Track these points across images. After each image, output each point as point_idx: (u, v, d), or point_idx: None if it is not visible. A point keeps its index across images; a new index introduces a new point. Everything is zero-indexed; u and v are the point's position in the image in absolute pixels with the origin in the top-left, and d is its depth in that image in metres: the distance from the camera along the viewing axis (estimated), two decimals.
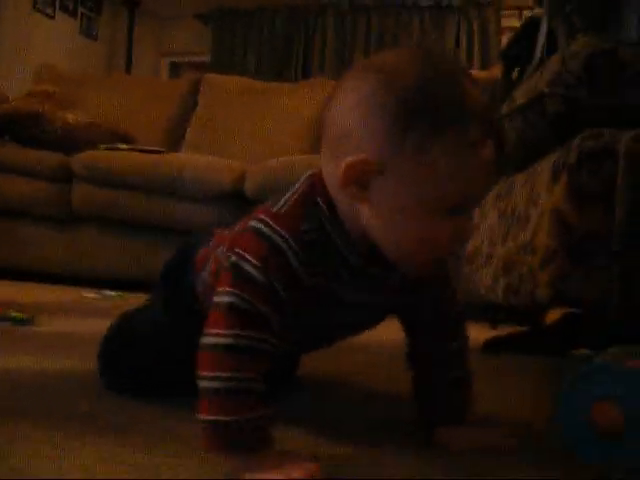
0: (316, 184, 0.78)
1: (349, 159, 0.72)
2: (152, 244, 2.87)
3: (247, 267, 0.72)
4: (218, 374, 0.70)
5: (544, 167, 1.14)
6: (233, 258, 0.74)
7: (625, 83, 1.04)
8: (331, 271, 0.78)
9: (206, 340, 0.71)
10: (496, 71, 2.65)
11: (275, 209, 0.76)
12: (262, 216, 0.76)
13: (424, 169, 0.70)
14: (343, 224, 0.76)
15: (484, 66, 5.02)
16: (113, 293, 2.58)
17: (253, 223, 0.76)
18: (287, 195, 0.78)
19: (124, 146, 3.10)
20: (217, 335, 0.71)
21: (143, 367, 0.96)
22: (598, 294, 1.06)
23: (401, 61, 0.74)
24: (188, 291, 0.94)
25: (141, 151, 3.03)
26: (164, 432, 0.80)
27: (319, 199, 0.77)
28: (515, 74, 1.90)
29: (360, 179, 0.72)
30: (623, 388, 0.75)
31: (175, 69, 6.53)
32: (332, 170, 0.75)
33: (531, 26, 1.67)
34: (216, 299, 0.73)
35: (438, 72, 0.73)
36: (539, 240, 1.11)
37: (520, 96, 1.23)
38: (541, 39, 1.44)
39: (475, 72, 3.22)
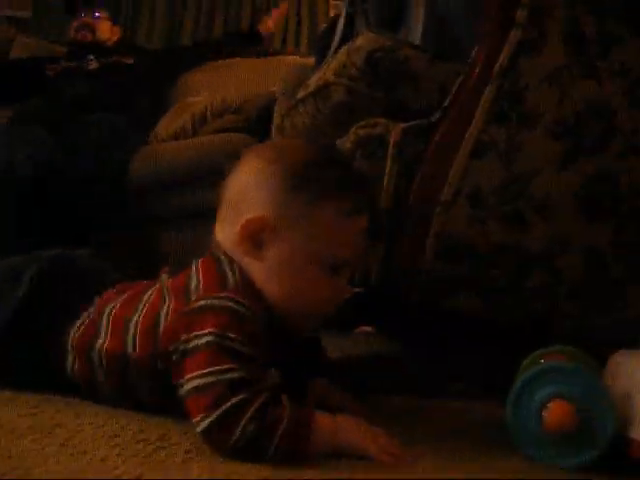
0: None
1: (246, 217, 0.84)
2: None
3: (227, 342, 0.78)
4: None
5: None
6: (213, 337, 0.78)
7: (401, 80, 1.15)
8: None
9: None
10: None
11: (231, 284, 0.84)
12: (223, 294, 0.82)
13: (307, 230, 0.83)
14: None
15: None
16: None
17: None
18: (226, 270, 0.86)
19: None
20: None
21: None
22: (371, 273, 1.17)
23: (293, 145, 0.91)
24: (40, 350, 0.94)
25: None
26: None
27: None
28: None
29: (255, 236, 0.84)
30: (576, 388, 0.82)
31: None
32: (229, 232, 0.87)
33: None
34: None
35: (321, 155, 0.90)
36: None
37: (313, 83, 1.31)
38: (339, 31, 1.53)
39: (300, 59, 3.32)
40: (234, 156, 2.42)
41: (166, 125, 2.78)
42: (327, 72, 1.21)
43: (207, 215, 2.44)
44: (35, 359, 0.94)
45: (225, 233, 0.88)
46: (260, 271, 0.85)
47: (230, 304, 0.80)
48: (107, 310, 0.92)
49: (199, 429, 0.77)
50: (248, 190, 0.86)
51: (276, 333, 0.87)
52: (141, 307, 0.90)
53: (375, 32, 1.16)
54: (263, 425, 0.75)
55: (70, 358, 0.92)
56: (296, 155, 0.87)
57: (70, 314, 0.94)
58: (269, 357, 0.84)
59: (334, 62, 1.21)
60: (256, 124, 2.75)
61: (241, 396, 0.75)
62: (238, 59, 3.45)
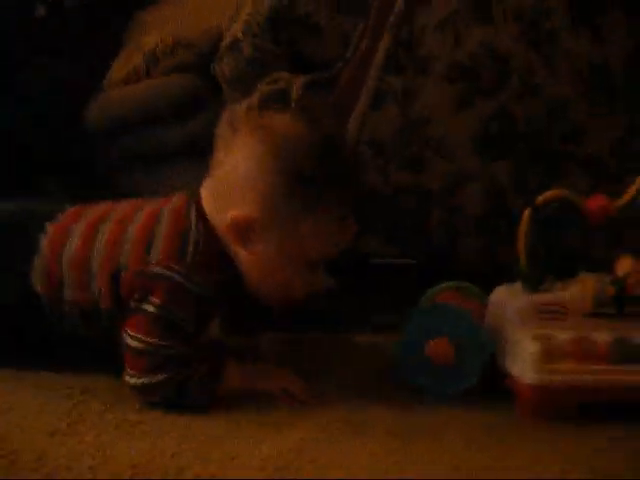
0: (209, 228, 0.90)
1: (234, 213, 0.87)
2: None
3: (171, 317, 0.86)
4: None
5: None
6: (158, 310, 0.86)
7: (303, 35, 1.20)
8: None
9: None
10: None
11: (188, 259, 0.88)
12: (176, 267, 0.87)
13: (297, 232, 0.87)
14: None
15: None
16: None
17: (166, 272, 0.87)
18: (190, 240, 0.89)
19: None
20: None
21: None
22: None
23: (290, 131, 0.88)
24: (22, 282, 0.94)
25: None
26: None
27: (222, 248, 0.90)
28: None
29: (242, 231, 0.87)
30: (452, 325, 0.92)
31: None
32: (220, 212, 0.89)
33: None
34: None
35: (323, 148, 0.87)
36: None
37: (228, 35, 1.36)
38: None
39: None
40: (181, 99, 2.44)
41: (119, 68, 2.80)
42: (237, 27, 1.26)
43: (160, 158, 2.48)
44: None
45: (214, 206, 0.91)
46: (243, 257, 0.90)
47: (182, 280, 0.87)
48: (64, 254, 0.93)
49: (127, 381, 0.86)
50: (244, 179, 0.87)
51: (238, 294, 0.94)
52: (97, 245, 0.92)
53: None
54: (182, 393, 0.85)
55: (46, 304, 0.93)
56: (298, 151, 0.86)
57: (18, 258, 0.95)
58: (224, 308, 0.94)
59: (241, 18, 1.25)
60: (209, 59, 2.75)
61: (170, 374, 0.85)
62: None
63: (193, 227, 0.90)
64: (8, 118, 2.18)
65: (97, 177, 2.60)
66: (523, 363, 0.89)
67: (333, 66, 1.18)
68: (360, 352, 1.11)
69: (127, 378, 0.86)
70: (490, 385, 0.93)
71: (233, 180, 0.89)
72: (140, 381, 0.85)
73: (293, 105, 1.15)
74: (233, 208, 0.88)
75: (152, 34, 2.92)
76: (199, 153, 1.51)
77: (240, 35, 1.23)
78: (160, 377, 0.85)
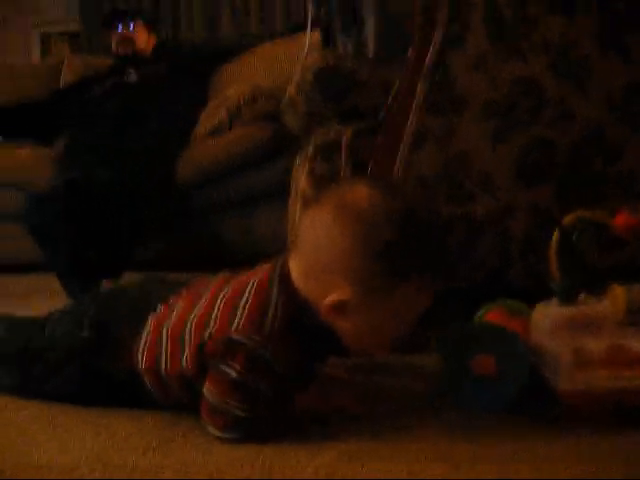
0: (297, 301, 0.97)
1: (330, 299, 0.94)
2: None
3: (248, 383, 0.94)
4: None
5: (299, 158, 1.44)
6: (239, 376, 0.94)
7: (348, 89, 1.33)
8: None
9: None
10: None
11: (267, 329, 0.95)
12: (255, 337, 0.95)
13: (388, 304, 0.94)
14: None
15: None
16: None
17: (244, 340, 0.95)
18: (269, 311, 0.96)
19: None
20: None
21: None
22: None
23: (377, 212, 0.92)
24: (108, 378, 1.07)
25: None
26: None
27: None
28: None
29: (338, 311, 0.95)
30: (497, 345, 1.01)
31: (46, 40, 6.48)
32: (311, 292, 0.96)
33: None
34: None
35: (407, 221, 0.92)
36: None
37: (287, 92, 1.50)
38: (308, 32, 1.71)
39: None
40: (261, 147, 2.63)
41: (204, 122, 3.01)
42: (291, 87, 1.40)
43: (247, 202, 2.67)
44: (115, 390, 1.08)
45: (302, 279, 0.97)
46: (340, 326, 0.97)
47: (260, 351, 0.94)
48: (165, 328, 1.04)
49: (209, 430, 0.96)
50: (331, 262, 0.93)
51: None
52: (189, 324, 1.01)
53: (323, 50, 1.33)
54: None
55: (147, 382, 1.04)
56: (383, 232, 0.91)
57: (132, 340, 1.06)
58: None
59: (295, 77, 1.39)
60: None
61: (239, 434, 0.94)
62: (268, 44, 3.61)
63: (274, 299, 0.96)
64: (110, 180, 2.41)
65: (193, 226, 2.82)
66: (559, 373, 0.97)
67: (377, 114, 1.31)
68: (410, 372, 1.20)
69: (209, 429, 0.96)
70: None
71: (324, 261, 0.94)
72: (217, 434, 0.95)
73: (344, 153, 1.28)
74: (328, 291, 0.95)
75: (234, 87, 3.13)
76: (283, 195, 1.67)
77: (293, 93, 1.37)
78: (232, 435, 0.94)
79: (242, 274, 1.04)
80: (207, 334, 0.98)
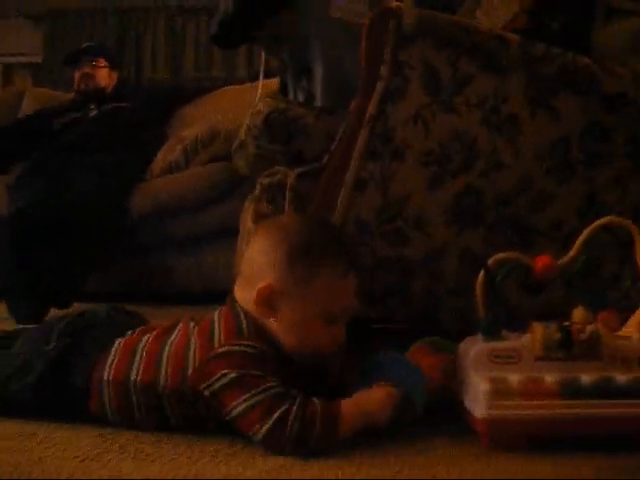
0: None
1: (259, 285, 1.06)
2: None
3: (250, 373, 1.01)
4: None
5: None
6: (236, 373, 1.00)
7: (294, 134, 1.42)
8: None
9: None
10: None
11: (245, 334, 1.06)
12: (238, 341, 1.05)
13: (310, 293, 1.06)
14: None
15: None
16: None
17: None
18: (242, 320, 1.08)
19: None
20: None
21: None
22: None
23: (294, 224, 1.13)
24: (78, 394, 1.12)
25: None
26: None
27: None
28: None
29: (267, 301, 1.07)
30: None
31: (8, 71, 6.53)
32: (247, 295, 1.08)
33: None
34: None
35: (317, 229, 1.12)
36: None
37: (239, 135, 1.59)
38: (261, 76, 1.80)
39: None
40: (215, 186, 2.71)
41: (161, 159, 3.08)
42: (241, 131, 1.49)
43: (198, 239, 2.75)
44: (71, 401, 1.12)
45: (243, 295, 1.10)
46: (275, 327, 1.07)
47: (246, 349, 1.03)
48: (139, 347, 1.11)
49: (258, 438, 0.98)
50: (260, 266, 1.08)
51: (295, 368, 1.09)
52: (167, 348, 1.09)
53: (272, 97, 1.42)
54: (305, 421, 0.97)
55: (107, 394, 1.10)
56: (297, 234, 1.09)
57: (99, 355, 1.12)
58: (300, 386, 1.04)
59: (245, 122, 1.48)
60: None
61: (283, 406, 0.97)
62: (230, 86, 3.71)
63: (240, 313, 1.09)
64: (61, 210, 2.45)
65: (144, 259, 2.87)
66: (478, 401, 1.05)
67: (321, 159, 1.39)
68: None
69: (256, 438, 0.98)
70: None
71: (255, 270, 1.10)
72: (266, 427, 0.97)
73: (288, 194, 1.36)
74: (256, 286, 1.08)
75: (193, 127, 3.22)
76: (233, 233, 1.74)
77: (243, 136, 1.46)
78: (279, 410, 0.97)
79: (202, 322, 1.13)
80: (191, 355, 1.07)
